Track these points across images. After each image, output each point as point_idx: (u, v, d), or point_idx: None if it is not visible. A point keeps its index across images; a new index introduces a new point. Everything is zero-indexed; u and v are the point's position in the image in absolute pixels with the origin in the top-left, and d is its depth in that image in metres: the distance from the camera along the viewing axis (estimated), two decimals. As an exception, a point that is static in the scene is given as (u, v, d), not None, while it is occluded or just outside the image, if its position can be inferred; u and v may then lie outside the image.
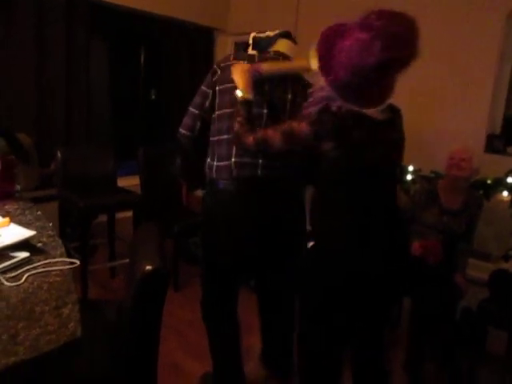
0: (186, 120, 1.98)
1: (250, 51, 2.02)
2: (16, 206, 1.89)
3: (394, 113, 1.53)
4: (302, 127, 1.46)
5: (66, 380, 1.16)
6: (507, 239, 2.99)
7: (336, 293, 1.54)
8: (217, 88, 1.88)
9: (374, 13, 1.31)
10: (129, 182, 3.82)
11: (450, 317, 2.42)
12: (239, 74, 1.74)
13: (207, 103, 1.92)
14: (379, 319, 1.68)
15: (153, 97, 5.51)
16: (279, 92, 1.85)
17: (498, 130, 3.50)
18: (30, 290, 1.14)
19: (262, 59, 1.88)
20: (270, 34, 2.01)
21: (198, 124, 1.95)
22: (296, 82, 1.89)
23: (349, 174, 1.47)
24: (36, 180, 3.36)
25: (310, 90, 1.82)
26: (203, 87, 1.94)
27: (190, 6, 4.63)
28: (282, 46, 1.98)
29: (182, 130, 2.00)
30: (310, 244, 1.60)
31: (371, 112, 1.41)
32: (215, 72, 1.90)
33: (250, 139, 1.60)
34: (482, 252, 3.13)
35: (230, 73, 1.80)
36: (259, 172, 1.83)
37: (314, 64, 1.41)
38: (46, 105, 3.77)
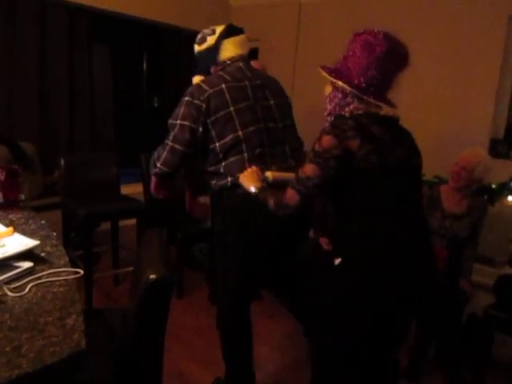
0: (167, 156, 1.87)
1: (196, 78, 1.91)
2: (20, 215, 1.89)
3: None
4: (324, 140, 1.38)
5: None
6: (512, 244, 2.97)
7: (384, 313, 1.41)
8: (209, 120, 1.80)
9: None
10: (133, 190, 3.82)
11: (455, 323, 2.41)
12: (250, 177, 1.72)
13: (195, 138, 1.83)
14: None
15: (156, 104, 5.52)
16: None
17: (501, 135, 3.49)
18: (34, 301, 1.14)
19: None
20: (211, 40, 1.87)
21: (180, 161, 1.88)
22: None
23: (381, 171, 1.38)
24: (40, 188, 3.38)
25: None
26: (188, 123, 1.81)
27: (191, 13, 4.65)
28: (229, 48, 1.88)
29: (162, 167, 1.89)
30: (337, 261, 1.44)
31: (387, 111, 1.46)
32: (199, 107, 1.79)
33: (287, 192, 1.51)
34: (486, 257, 3.11)
35: (220, 99, 1.77)
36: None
37: (328, 90, 1.48)
38: (49, 113, 3.79)
